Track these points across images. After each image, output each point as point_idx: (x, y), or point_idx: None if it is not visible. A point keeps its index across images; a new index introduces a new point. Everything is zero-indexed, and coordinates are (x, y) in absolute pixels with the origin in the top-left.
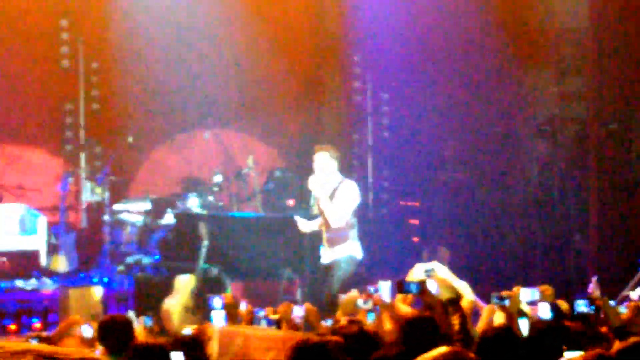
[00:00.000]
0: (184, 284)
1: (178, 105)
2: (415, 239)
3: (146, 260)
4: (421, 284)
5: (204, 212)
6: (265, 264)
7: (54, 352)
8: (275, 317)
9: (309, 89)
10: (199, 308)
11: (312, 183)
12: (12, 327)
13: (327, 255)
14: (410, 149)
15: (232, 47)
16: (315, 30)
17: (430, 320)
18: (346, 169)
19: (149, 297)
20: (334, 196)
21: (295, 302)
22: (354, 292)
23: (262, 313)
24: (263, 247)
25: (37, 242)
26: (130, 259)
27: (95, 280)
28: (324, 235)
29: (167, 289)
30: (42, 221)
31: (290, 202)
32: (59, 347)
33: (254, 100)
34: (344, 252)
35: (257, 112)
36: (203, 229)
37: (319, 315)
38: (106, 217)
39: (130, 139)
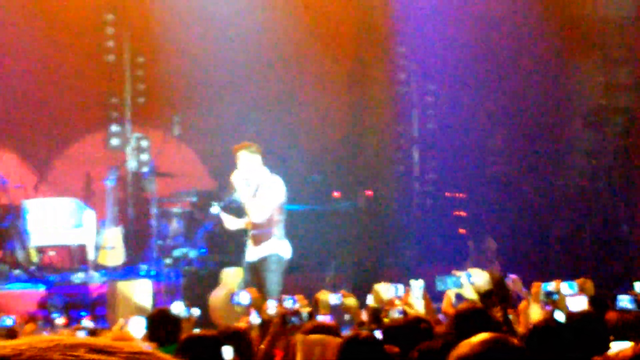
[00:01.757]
0: (231, 276)
1: (223, 98)
2: (462, 231)
3: (193, 253)
4: (459, 279)
5: None
6: (311, 255)
7: (106, 346)
8: (306, 309)
9: (354, 81)
10: None
11: (235, 179)
12: (61, 320)
13: (252, 253)
14: (456, 140)
15: (276, 40)
16: (360, 22)
17: (482, 312)
18: (389, 161)
19: (196, 289)
20: (257, 192)
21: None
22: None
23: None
24: (309, 239)
25: (85, 236)
26: (177, 252)
27: (142, 273)
28: (249, 233)
29: (213, 281)
30: (90, 215)
31: (336, 194)
32: (111, 341)
33: (299, 92)
34: (269, 250)
35: (302, 104)
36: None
37: (357, 303)
38: (153, 211)
39: (176, 132)
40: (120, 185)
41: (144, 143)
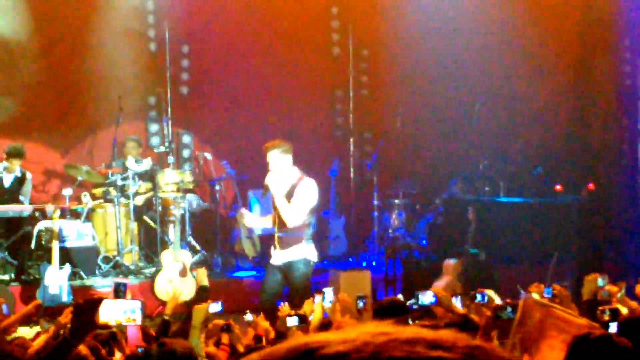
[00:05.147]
0: (451, 267)
1: (444, 92)
2: None
3: (414, 244)
4: None
5: (471, 197)
6: (533, 248)
7: (442, 340)
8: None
9: (578, 74)
10: (465, 292)
11: (269, 180)
12: (284, 307)
13: (278, 256)
14: None
15: (500, 33)
16: (584, 15)
17: None
18: (614, 154)
19: (417, 280)
20: (291, 194)
21: (565, 287)
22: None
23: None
24: (531, 232)
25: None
26: (398, 243)
27: (364, 263)
28: (276, 235)
29: (434, 272)
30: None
31: (559, 187)
32: (442, 333)
33: (522, 84)
34: (298, 254)
35: (526, 96)
36: (470, 213)
37: (569, 297)
38: (375, 202)
39: (398, 124)
40: (343, 177)
41: (367, 134)
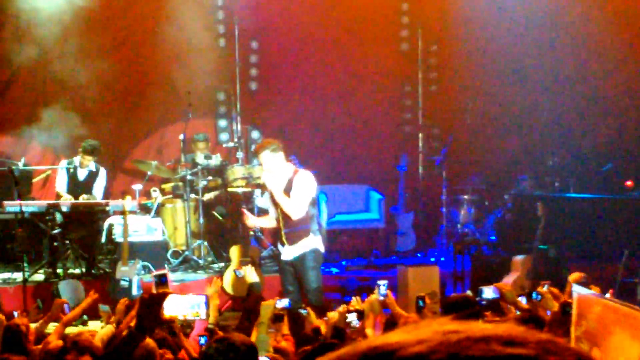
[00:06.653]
0: (520, 264)
1: (514, 88)
2: None
3: (483, 240)
4: None
5: (540, 193)
6: (603, 244)
7: (515, 336)
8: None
9: None
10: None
11: (265, 178)
12: (355, 300)
13: (288, 252)
14: None
15: (568, 27)
16: None
17: None
18: None
19: (485, 276)
20: (290, 188)
21: (635, 284)
22: None
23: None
24: (601, 228)
25: (378, 221)
26: (467, 239)
27: (432, 259)
28: (282, 232)
29: (503, 268)
30: (382, 201)
31: (629, 183)
32: (511, 329)
33: (591, 80)
34: (308, 246)
35: (597, 92)
36: (540, 209)
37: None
38: (444, 197)
39: (467, 120)
40: (411, 172)
41: (435, 131)
